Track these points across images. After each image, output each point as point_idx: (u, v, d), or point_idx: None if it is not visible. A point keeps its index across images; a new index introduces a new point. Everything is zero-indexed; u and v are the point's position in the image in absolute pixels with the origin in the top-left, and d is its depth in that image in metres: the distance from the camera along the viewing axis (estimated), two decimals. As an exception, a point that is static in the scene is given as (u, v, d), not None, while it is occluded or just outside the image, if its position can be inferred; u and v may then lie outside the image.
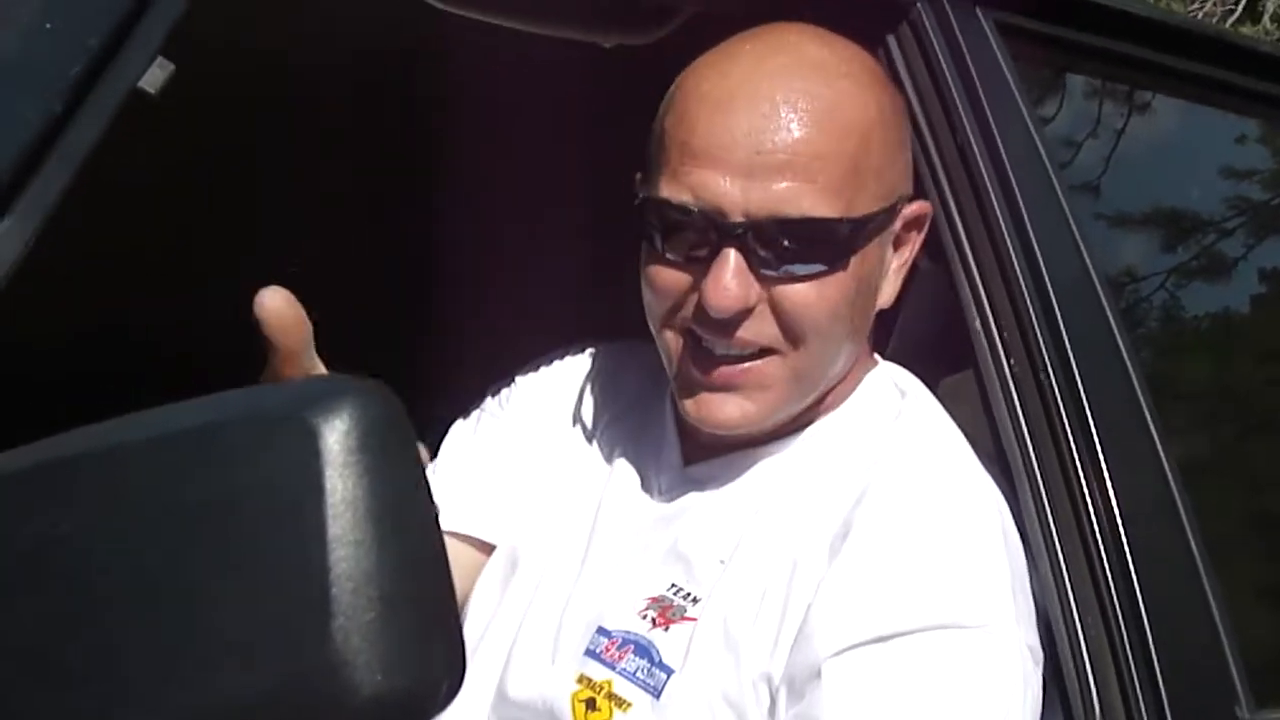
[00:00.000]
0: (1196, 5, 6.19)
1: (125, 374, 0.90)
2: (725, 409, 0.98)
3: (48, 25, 0.71)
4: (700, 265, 0.93)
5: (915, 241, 1.02)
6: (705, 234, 0.92)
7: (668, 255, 0.95)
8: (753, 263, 0.92)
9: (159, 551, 0.56)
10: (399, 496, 0.56)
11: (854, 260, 0.94)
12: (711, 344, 0.95)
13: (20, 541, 0.58)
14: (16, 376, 0.85)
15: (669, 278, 0.96)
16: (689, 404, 0.99)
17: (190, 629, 0.56)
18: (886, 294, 1.00)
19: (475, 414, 1.21)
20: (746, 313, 0.93)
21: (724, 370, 0.96)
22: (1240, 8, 6.28)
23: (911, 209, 1.00)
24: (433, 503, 0.58)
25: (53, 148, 0.70)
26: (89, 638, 0.57)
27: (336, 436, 0.54)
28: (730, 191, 0.91)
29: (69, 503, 0.58)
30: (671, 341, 0.98)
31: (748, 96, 0.93)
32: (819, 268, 0.93)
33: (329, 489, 0.54)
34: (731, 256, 0.91)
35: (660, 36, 1.09)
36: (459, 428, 1.19)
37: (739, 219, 0.90)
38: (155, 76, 0.76)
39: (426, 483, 0.58)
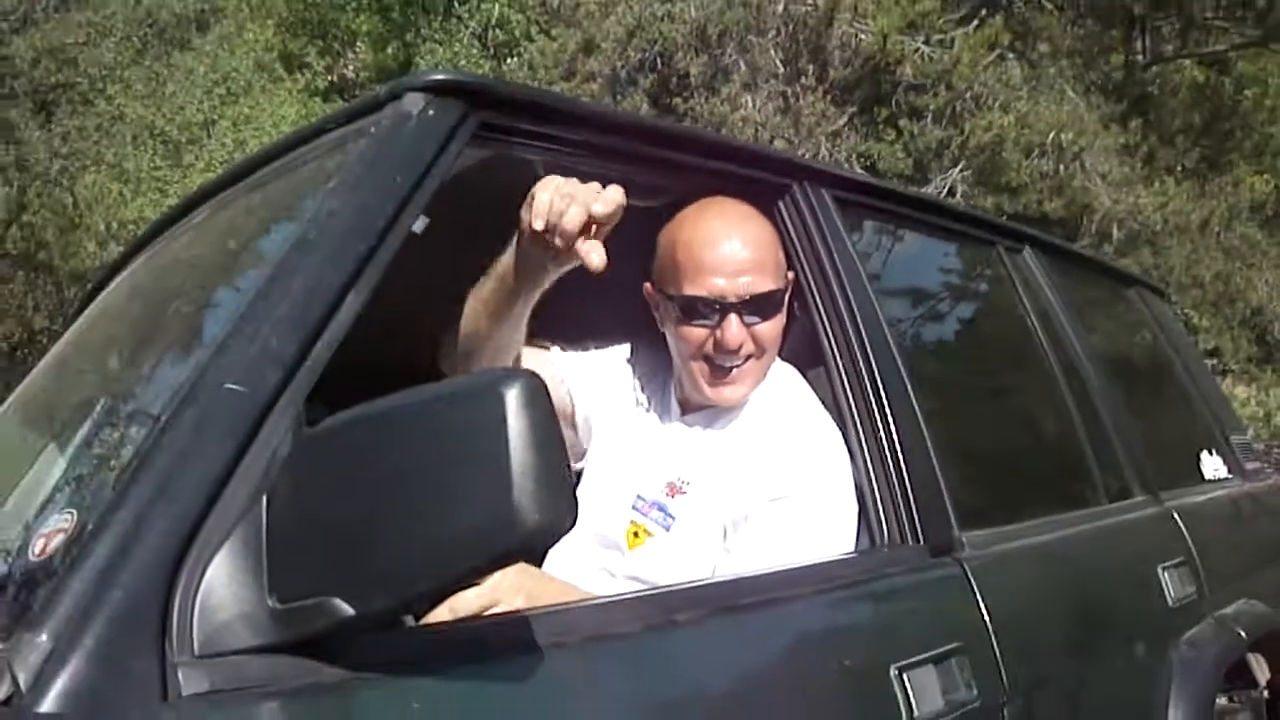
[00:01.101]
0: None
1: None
2: (734, 392, 1.76)
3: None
4: (712, 325, 1.70)
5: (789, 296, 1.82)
6: (713, 308, 1.70)
7: (693, 323, 1.72)
8: (742, 318, 1.70)
9: (423, 457, 0.93)
10: (543, 423, 0.92)
11: (781, 309, 1.77)
12: (723, 361, 1.71)
13: (361, 460, 0.96)
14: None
15: (694, 334, 1.72)
16: (710, 391, 1.74)
17: (438, 496, 0.92)
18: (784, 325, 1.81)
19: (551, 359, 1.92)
20: (741, 344, 1.71)
21: (731, 373, 1.73)
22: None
23: (790, 278, 1.80)
24: (558, 425, 0.94)
25: (370, 263, 1.17)
26: (382, 502, 0.93)
27: (512, 395, 0.91)
28: (726, 286, 1.69)
29: (384, 434, 0.96)
30: (696, 365, 1.74)
31: (725, 236, 1.72)
32: (771, 314, 1.74)
33: (510, 422, 0.91)
34: (733, 318, 1.70)
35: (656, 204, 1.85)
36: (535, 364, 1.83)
37: (733, 299, 1.69)
38: (420, 223, 1.28)
39: (555, 415, 0.94)
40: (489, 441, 0.91)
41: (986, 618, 1.68)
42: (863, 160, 9.28)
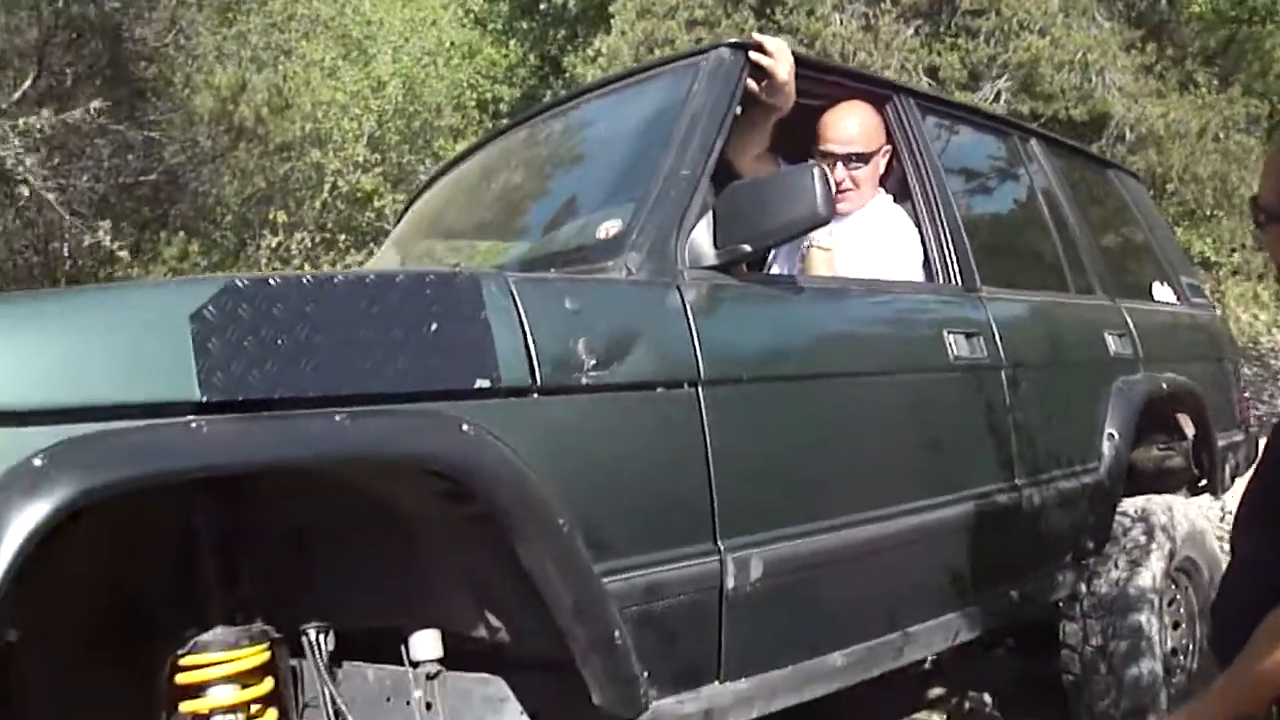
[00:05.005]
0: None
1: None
2: (843, 206, 3.15)
3: None
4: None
5: (887, 155, 3.24)
6: (829, 158, 3.16)
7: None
8: (847, 166, 3.21)
9: (771, 189, 2.84)
10: (825, 179, 2.44)
11: (869, 163, 3.24)
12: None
13: None
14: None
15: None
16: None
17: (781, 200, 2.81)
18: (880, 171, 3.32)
19: None
20: (841, 181, 3.16)
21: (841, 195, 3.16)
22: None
23: (887, 148, 3.29)
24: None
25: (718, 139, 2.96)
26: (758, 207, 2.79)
27: (817, 174, 2.33)
28: (834, 148, 3.21)
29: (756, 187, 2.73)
30: None
31: (838, 119, 3.24)
32: (861, 166, 3.20)
33: (816, 178, 2.41)
34: (839, 166, 3.16)
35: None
36: None
37: (839, 153, 3.20)
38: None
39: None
40: (804, 181, 2.33)
41: (993, 319, 3.16)
42: (928, 71, 11.24)
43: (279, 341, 1.65)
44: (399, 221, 4.26)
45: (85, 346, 1.55)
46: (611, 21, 12.73)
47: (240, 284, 1.67)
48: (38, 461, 1.44)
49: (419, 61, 11.15)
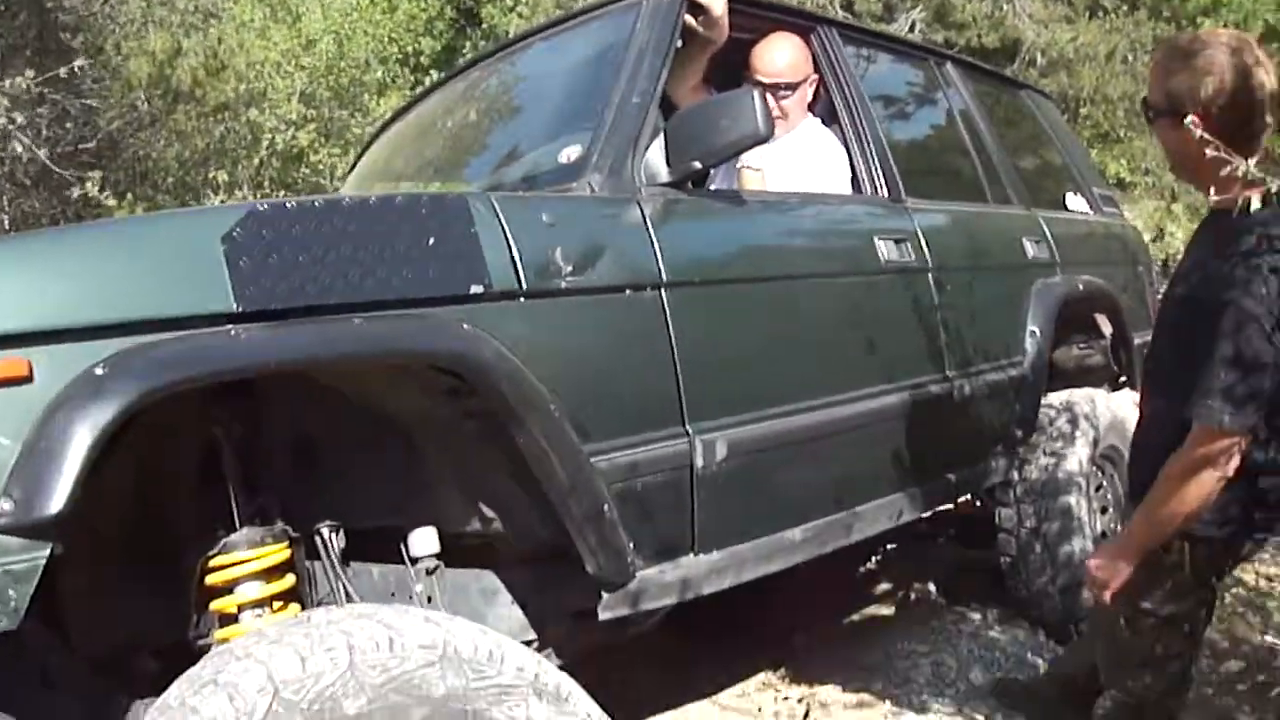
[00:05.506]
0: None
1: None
2: (780, 128, 3.44)
3: None
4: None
5: (814, 84, 3.54)
6: (761, 86, 3.37)
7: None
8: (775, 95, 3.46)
9: (711, 112, 3.07)
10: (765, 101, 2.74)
11: (796, 90, 3.51)
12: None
13: None
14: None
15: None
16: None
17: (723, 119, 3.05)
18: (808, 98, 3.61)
19: None
20: (772, 109, 3.40)
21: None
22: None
23: (813, 77, 3.57)
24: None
25: (664, 66, 3.20)
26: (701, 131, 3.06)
27: (755, 96, 2.66)
28: (764, 78, 3.45)
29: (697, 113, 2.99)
30: None
31: (767, 51, 3.50)
32: (789, 95, 3.48)
33: (755, 101, 2.50)
34: (769, 95, 3.37)
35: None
36: None
37: (768, 83, 3.43)
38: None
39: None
40: (745, 104, 2.58)
41: (918, 227, 3.43)
42: (845, 5, 11.58)
43: (299, 258, 1.87)
44: (351, 170, 4.44)
45: (132, 268, 1.75)
46: (530, -30, 12.92)
47: (261, 208, 1.89)
48: (99, 370, 1.65)
49: (346, 18, 11.26)
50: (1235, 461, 2.20)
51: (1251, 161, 2.08)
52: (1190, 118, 2.17)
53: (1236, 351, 2.14)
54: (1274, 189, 2.08)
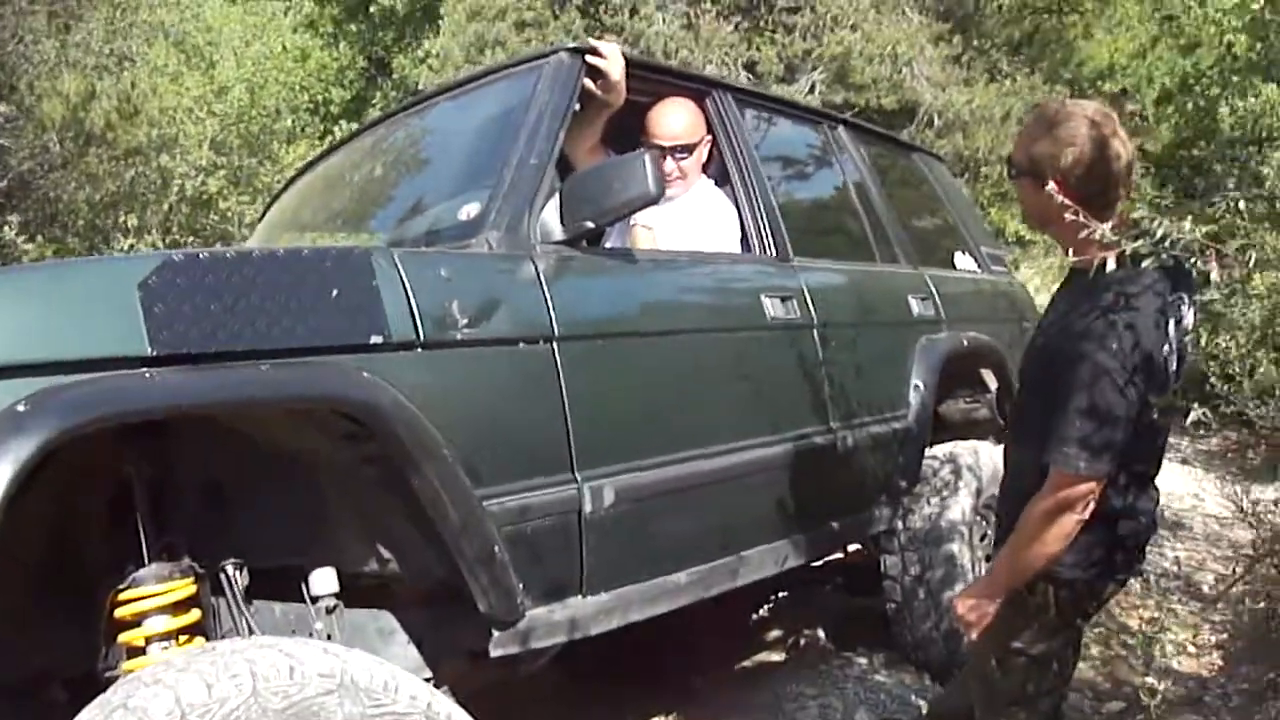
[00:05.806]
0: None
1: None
2: (673, 190, 3.52)
3: None
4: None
5: (708, 145, 3.62)
6: (661, 149, 3.49)
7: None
8: (673, 156, 3.56)
9: (606, 174, 3.20)
10: (657, 163, 2.80)
11: (693, 153, 3.61)
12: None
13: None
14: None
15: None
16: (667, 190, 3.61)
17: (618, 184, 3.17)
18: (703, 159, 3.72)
19: None
20: (671, 171, 3.53)
21: (672, 181, 3.62)
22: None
23: (708, 138, 3.62)
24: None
25: (561, 129, 3.31)
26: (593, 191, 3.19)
27: (648, 160, 2.73)
28: (664, 141, 3.55)
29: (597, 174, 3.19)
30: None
31: (665, 115, 3.58)
32: (688, 156, 3.60)
33: (647, 165, 2.69)
34: (669, 158, 3.52)
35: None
36: None
37: (668, 146, 3.54)
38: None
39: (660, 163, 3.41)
40: (637, 166, 2.70)
41: (805, 286, 3.55)
42: (747, 65, 11.91)
43: (210, 306, 1.98)
44: (261, 219, 4.51)
45: (54, 310, 1.84)
46: (441, 23, 13.07)
47: (176, 258, 2.00)
48: (21, 407, 1.74)
49: (260, 66, 11.32)
50: (1092, 506, 2.32)
51: (1107, 225, 2.23)
52: (1050, 184, 2.35)
53: (1091, 403, 2.27)
54: (1128, 250, 2.21)
